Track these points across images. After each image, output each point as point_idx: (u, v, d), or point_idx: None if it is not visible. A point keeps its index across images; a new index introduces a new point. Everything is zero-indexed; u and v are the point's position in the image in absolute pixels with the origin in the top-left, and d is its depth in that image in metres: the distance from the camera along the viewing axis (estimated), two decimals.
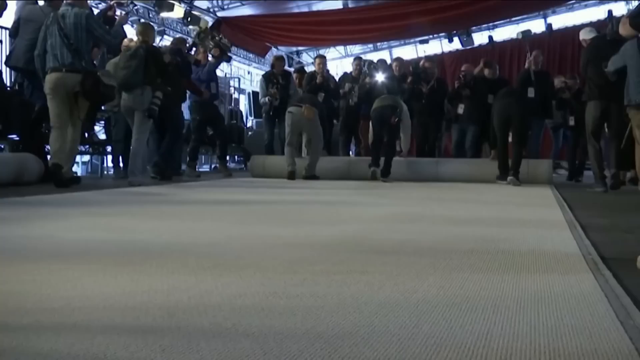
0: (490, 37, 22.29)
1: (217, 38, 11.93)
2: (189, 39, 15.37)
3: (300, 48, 26.21)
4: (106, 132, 11.18)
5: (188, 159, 11.41)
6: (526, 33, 12.42)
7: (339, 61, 27.19)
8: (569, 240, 3.45)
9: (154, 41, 9.54)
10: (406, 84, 11.61)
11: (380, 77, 10.97)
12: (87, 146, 10.99)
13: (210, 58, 11.66)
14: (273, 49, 23.29)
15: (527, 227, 4.19)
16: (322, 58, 12.80)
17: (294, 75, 12.62)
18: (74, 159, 8.54)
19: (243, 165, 16.77)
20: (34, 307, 1.82)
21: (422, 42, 22.73)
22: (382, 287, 2.15)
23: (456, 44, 23.00)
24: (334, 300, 1.94)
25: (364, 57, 22.28)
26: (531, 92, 10.54)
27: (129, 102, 8.58)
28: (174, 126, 9.86)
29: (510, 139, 9.80)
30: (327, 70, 12.70)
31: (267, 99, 11.68)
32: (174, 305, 1.87)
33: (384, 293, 2.06)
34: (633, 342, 1.52)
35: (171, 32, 18.86)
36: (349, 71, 13.34)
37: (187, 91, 10.98)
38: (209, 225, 4.10)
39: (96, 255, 2.76)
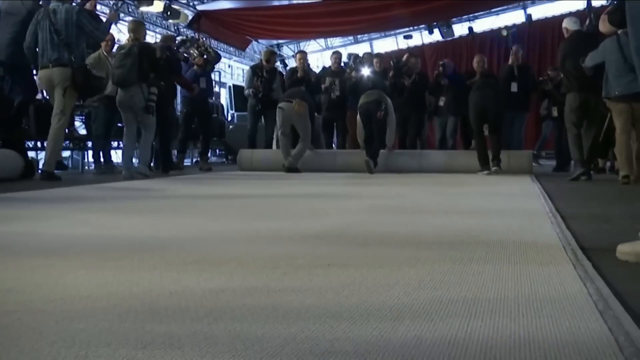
0: (471, 28, 22.35)
1: (202, 48, 11.90)
2: (178, 35, 15.53)
3: (280, 41, 26.16)
4: (86, 128, 11.17)
5: (176, 151, 11.67)
6: (511, 29, 12.53)
7: (320, 54, 27.14)
8: (549, 230, 3.47)
9: (144, 37, 9.69)
10: (388, 79, 11.81)
11: (366, 71, 11.34)
12: (68, 141, 10.95)
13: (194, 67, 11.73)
14: (253, 42, 23.25)
15: (508, 217, 4.21)
16: (303, 53, 13.01)
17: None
18: (56, 155, 8.57)
19: (224, 159, 16.72)
20: (15, 305, 1.81)
21: (406, 37, 22.73)
22: (364, 280, 2.16)
23: (436, 36, 23.04)
24: (315, 295, 1.95)
25: (344, 49, 22.28)
26: (514, 87, 10.98)
27: (124, 99, 8.92)
28: (164, 121, 9.94)
29: (486, 132, 10.05)
30: (308, 65, 12.84)
31: (250, 91, 11.87)
32: (156, 301, 1.87)
33: (365, 287, 2.06)
34: (612, 333, 1.53)
35: (151, 26, 18.77)
36: (327, 65, 13.48)
37: (178, 87, 11.27)
38: (191, 220, 4.10)
39: (78, 251, 2.75)
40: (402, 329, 1.58)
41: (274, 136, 11.47)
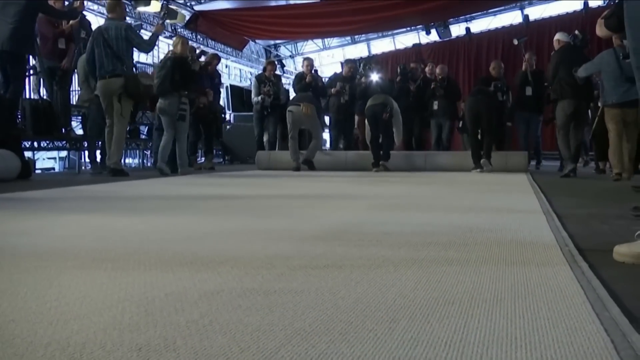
0: (468, 29, 22.39)
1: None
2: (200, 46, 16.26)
3: (277, 41, 26.18)
4: (83, 128, 11.20)
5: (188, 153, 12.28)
6: (521, 39, 13.30)
7: (317, 54, 27.18)
8: (546, 231, 3.46)
9: (185, 52, 10.42)
10: (395, 83, 12.99)
11: (375, 77, 12.49)
12: (64, 142, 10.97)
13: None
14: (250, 42, 23.25)
15: (505, 216, 4.23)
16: (310, 60, 13.91)
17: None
18: (122, 152, 10.07)
19: (222, 159, 16.72)
20: (9, 307, 1.80)
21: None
22: (360, 281, 2.15)
23: (434, 36, 23.08)
24: (312, 296, 1.94)
25: (342, 50, 22.31)
26: (529, 91, 11.99)
27: (162, 106, 10.01)
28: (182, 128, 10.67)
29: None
30: (315, 70, 14.03)
31: (259, 97, 12.98)
32: (151, 302, 1.86)
33: (362, 288, 2.06)
34: (608, 334, 1.53)
35: (148, 26, 18.75)
36: (339, 71, 14.52)
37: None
38: (188, 221, 4.08)
39: (73, 252, 2.74)
40: (399, 331, 1.58)
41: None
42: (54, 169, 14.64)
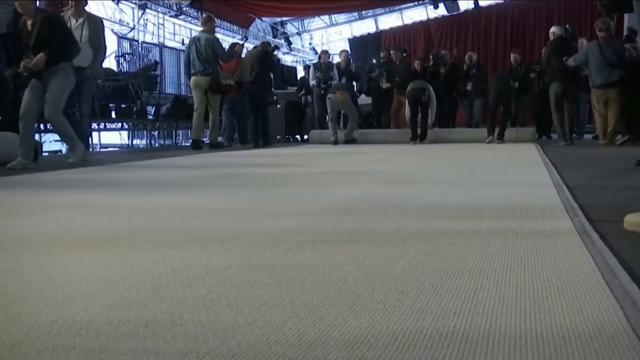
0: (476, 2, 22.20)
1: None
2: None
3: (284, 18, 26.07)
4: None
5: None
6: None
7: (324, 30, 27.07)
8: (556, 202, 3.44)
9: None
10: (428, 67, 14.94)
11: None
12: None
13: None
14: (257, 20, 23.16)
15: (515, 188, 4.22)
16: (345, 52, 16.94)
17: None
18: (216, 130, 12.70)
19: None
20: (15, 285, 1.80)
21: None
22: (369, 255, 2.14)
23: (442, 10, 22.91)
24: (320, 270, 1.93)
25: (349, 26, 22.32)
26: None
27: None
28: (266, 108, 13.21)
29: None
30: (349, 59, 16.46)
31: (315, 81, 15.32)
32: (158, 278, 1.85)
33: (370, 261, 2.05)
34: (618, 302, 1.52)
35: (153, 5, 18.69)
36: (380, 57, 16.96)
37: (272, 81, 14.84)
38: (194, 197, 4.08)
39: (79, 232, 2.74)
40: (407, 302, 1.57)
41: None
42: (61, 151, 14.63)
